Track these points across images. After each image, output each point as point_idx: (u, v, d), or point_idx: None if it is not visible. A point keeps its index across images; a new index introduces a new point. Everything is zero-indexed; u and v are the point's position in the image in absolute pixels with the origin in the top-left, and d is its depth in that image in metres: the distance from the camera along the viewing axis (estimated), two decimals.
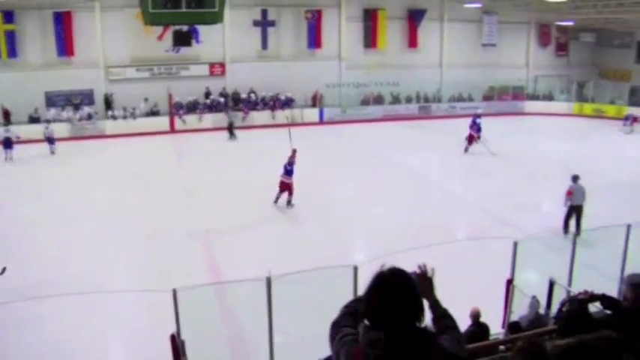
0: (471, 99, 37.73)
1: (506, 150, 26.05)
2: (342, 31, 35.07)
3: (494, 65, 38.06)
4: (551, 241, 13.01)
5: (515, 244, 9.43)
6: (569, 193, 15.95)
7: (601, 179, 21.10)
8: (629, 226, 10.39)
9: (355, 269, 8.23)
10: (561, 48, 40.88)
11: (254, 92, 33.17)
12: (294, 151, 18.61)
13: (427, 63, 37.12)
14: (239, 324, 11.15)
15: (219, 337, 10.39)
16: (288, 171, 18.39)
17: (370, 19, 35.43)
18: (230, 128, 29.86)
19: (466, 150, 26.29)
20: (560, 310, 4.96)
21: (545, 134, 30.63)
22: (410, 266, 4.12)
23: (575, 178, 16.21)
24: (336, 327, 3.13)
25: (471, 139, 26.42)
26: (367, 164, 23.92)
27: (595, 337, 3.16)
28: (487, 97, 38.10)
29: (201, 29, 28.42)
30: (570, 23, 37.73)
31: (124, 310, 11.74)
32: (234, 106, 32.35)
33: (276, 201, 18.47)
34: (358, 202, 19.13)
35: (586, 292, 5.19)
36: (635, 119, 32.44)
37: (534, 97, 39.21)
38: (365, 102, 35.72)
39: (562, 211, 16.17)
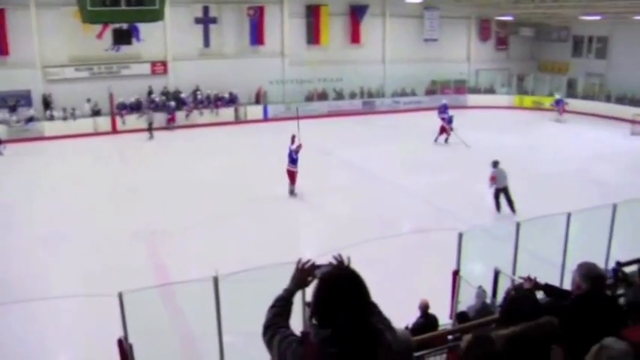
0: (414, 94, 38.19)
1: (450, 143, 26.65)
2: (284, 27, 34.95)
3: (437, 60, 38.49)
4: (496, 231, 13.29)
5: (460, 235, 9.61)
6: (493, 178, 17.27)
7: (542, 169, 22.06)
8: (569, 215, 10.72)
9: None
10: (501, 42, 41.64)
11: (199, 90, 32.78)
12: (293, 137, 19.06)
13: (370, 58, 37.34)
14: (188, 325, 11.06)
15: (168, 339, 10.28)
16: (294, 160, 18.86)
17: (312, 15, 35.41)
18: (149, 129, 29.30)
19: (436, 140, 27.24)
20: (505, 298, 5.11)
21: (487, 127, 31.05)
22: (359, 261, 4.17)
23: (495, 164, 17.49)
24: (272, 329, 3.10)
25: (442, 130, 27.18)
26: (313, 160, 23.28)
27: (536, 324, 3.23)
28: (430, 92, 38.48)
29: (142, 27, 28.20)
30: (509, 18, 38.38)
31: (71, 315, 11.55)
32: (176, 105, 31.79)
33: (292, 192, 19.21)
34: (305, 198, 19.16)
35: (529, 279, 5.35)
36: (564, 106, 33.91)
37: (476, 91, 39.75)
38: (309, 98, 35.61)
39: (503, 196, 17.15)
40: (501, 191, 17.30)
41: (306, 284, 3.31)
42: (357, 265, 3.08)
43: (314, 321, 2.85)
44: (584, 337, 3.52)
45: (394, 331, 3.06)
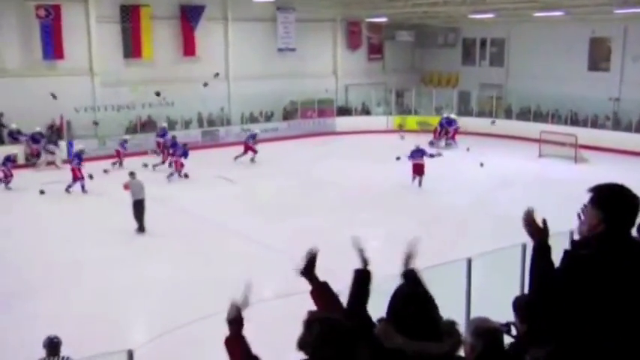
0: (268, 118, 36.59)
1: (313, 180, 26.16)
2: (92, 35, 31.28)
3: (295, 75, 36.96)
4: (382, 287, 10.83)
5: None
6: (127, 187, 19.84)
7: (436, 204, 23.03)
8: (469, 261, 11.08)
9: (130, 354, 8.19)
10: (375, 50, 41.28)
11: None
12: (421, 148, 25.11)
13: (209, 75, 34.35)
14: None
15: None
16: (423, 154, 24.87)
17: (130, 19, 31.91)
18: None
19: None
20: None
21: (360, 157, 30.10)
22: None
23: (132, 174, 20.32)
24: None
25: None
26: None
27: None
28: (288, 116, 37.24)
29: None
30: (383, 20, 38.06)
31: None
32: None
33: (419, 184, 24.51)
34: (132, 261, 17.58)
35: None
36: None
37: (346, 112, 38.86)
38: (131, 130, 31.94)
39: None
40: (138, 205, 19.48)
41: None
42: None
43: None
44: None
45: None
